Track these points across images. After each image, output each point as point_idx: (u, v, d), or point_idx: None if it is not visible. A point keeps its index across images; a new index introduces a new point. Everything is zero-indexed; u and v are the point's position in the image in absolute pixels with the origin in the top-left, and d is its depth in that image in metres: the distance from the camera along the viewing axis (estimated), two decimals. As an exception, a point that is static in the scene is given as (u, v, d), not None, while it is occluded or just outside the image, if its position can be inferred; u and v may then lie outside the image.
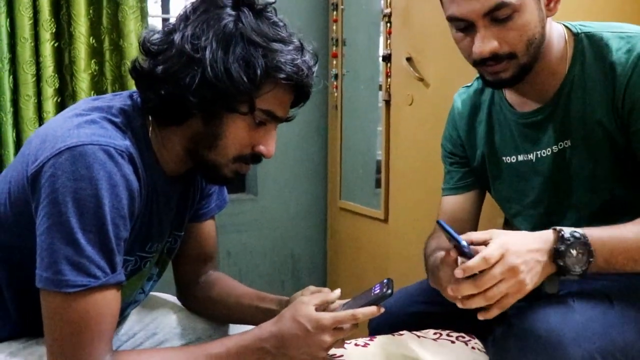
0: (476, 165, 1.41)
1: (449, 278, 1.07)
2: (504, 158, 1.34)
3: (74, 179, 0.97)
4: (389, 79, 2.22)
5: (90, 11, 2.16)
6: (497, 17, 1.12)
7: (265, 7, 1.10)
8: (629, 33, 1.17)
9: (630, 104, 1.13)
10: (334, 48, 2.57)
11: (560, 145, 1.24)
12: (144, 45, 1.09)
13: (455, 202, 1.44)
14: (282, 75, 1.05)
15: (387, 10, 2.19)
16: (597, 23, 1.22)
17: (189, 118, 1.10)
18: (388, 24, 2.19)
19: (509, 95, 1.30)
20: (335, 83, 2.58)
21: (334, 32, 2.58)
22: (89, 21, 2.15)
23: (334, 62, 2.58)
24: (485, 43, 1.14)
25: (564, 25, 1.23)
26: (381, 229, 2.35)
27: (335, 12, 2.56)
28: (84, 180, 0.98)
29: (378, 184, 2.36)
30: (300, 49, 1.09)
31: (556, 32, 1.21)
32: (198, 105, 1.06)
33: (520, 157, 1.31)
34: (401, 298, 1.43)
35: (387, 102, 2.24)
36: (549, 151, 1.25)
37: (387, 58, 2.21)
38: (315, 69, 1.12)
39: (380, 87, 2.30)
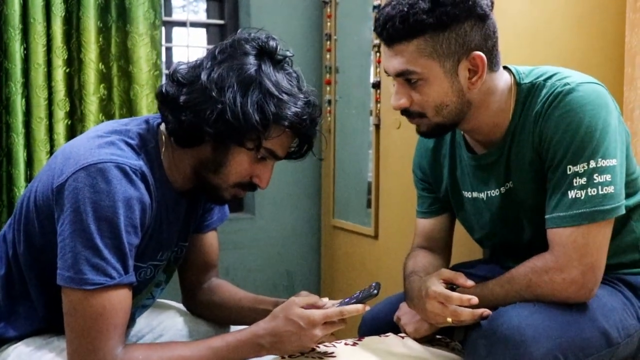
0: (442, 196, 1.50)
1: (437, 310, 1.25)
2: (464, 192, 1.44)
3: (94, 192, 1.11)
4: (378, 105, 2.28)
5: (100, 39, 2.27)
6: (409, 79, 1.23)
7: (285, 59, 1.22)
8: (557, 79, 1.23)
9: (546, 145, 1.21)
10: (328, 75, 2.64)
11: (506, 185, 1.32)
12: (173, 75, 1.21)
13: (429, 224, 1.54)
14: (287, 124, 1.18)
15: (377, 41, 2.24)
16: (544, 69, 1.28)
17: (201, 144, 1.22)
18: (378, 54, 2.26)
19: (467, 136, 1.39)
20: (328, 108, 2.64)
21: (327, 60, 2.64)
22: (99, 48, 2.26)
23: (328, 88, 2.65)
24: (396, 98, 1.27)
25: (514, 73, 1.29)
26: (372, 245, 2.41)
27: (329, 42, 2.63)
28: (102, 193, 1.11)
29: (369, 204, 2.41)
30: (308, 103, 1.21)
31: (504, 84, 1.28)
32: (212, 136, 1.19)
33: (474, 194, 1.40)
34: (387, 305, 1.54)
35: (377, 126, 2.32)
36: (497, 192, 1.35)
37: (376, 85, 2.28)
38: (318, 121, 1.25)
39: (370, 112, 2.37)
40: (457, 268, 1.53)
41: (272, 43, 1.22)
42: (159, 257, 1.32)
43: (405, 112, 1.28)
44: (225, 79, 1.17)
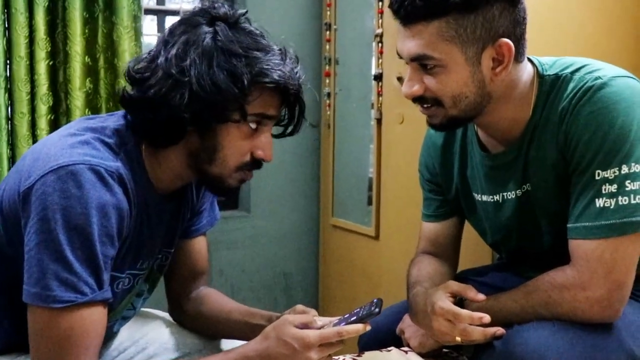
0: (452, 198, 1.41)
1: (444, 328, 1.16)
2: (474, 194, 1.34)
3: (64, 197, 1.00)
4: (380, 98, 2.23)
5: (86, 30, 2.18)
6: (424, 64, 1.13)
7: (238, 19, 1.13)
8: (587, 72, 1.14)
9: (572, 145, 1.13)
10: (327, 67, 2.59)
11: (523, 188, 1.23)
12: (130, 74, 1.12)
13: (436, 229, 1.45)
14: (266, 80, 1.08)
15: (379, 31, 2.22)
16: (570, 60, 1.20)
17: (185, 136, 1.12)
18: (380, 44, 2.21)
19: (480, 132, 1.30)
20: (328, 101, 2.59)
21: (327, 51, 2.59)
22: (85, 40, 2.17)
23: (327, 80, 2.60)
24: (409, 85, 1.16)
25: (536, 64, 1.21)
26: (372, 246, 2.36)
27: (328, 32, 2.58)
28: (73, 198, 1.00)
29: (370, 201, 2.37)
30: (282, 53, 1.12)
31: (526, 75, 1.19)
32: (192, 121, 1.09)
33: (485, 198, 1.31)
34: (390, 316, 1.44)
35: (379, 121, 2.26)
36: (513, 194, 1.25)
37: (378, 77, 2.22)
38: (298, 69, 1.14)
39: (372, 106, 2.32)
40: (466, 275, 1.46)
41: (220, 7, 1.13)
42: (139, 266, 1.22)
43: (419, 98, 1.17)
44: (184, 57, 1.07)
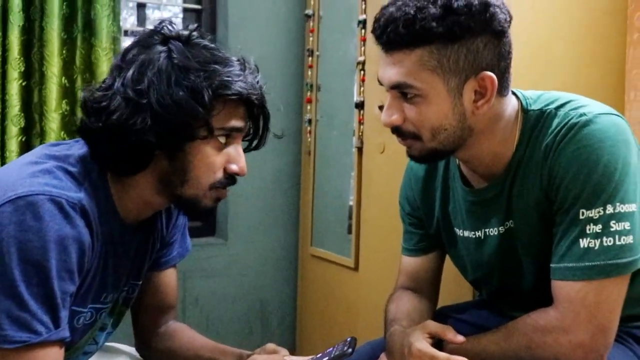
0: (433, 232, 1.37)
1: None
2: (456, 230, 1.31)
3: (20, 230, 0.95)
4: (361, 126, 2.21)
5: (64, 51, 2.14)
6: (404, 93, 1.11)
7: (190, 35, 1.11)
8: (572, 108, 1.12)
9: (556, 184, 1.10)
10: (309, 93, 2.56)
11: (506, 225, 1.20)
12: (86, 105, 1.08)
13: (416, 263, 1.41)
14: (228, 92, 1.07)
15: (361, 58, 2.20)
16: (554, 95, 1.18)
17: (153, 160, 1.09)
18: (362, 72, 2.19)
19: (463, 166, 1.27)
20: (309, 128, 2.56)
21: (309, 77, 2.57)
22: (62, 61, 2.13)
23: (308, 107, 2.57)
24: (388, 114, 1.13)
25: (520, 99, 1.18)
26: (352, 278, 2.31)
27: (310, 58, 2.56)
28: (31, 231, 0.95)
29: (350, 230, 2.33)
30: (241, 64, 1.11)
31: (510, 110, 1.16)
32: (158, 144, 1.06)
33: (467, 233, 1.27)
34: (365, 352, 1.39)
35: (360, 149, 2.23)
36: (495, 231, 1.22)
37: (360, 105, 2.20)
38: (259, 79, 1.13)
39: (354, 134, 2.30)
40: (445, 312, 1.42)
41: (171, 26, 1.12)
42: (103, 300, 1.17)
43: (396, 130, 1.15)
44: (141, 79, 1.05)
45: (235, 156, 1.13)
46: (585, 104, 1.12)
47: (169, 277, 1.37)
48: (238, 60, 1.11)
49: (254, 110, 1.13)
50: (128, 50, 1.10)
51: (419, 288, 1.40)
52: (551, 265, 1.10)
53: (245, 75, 1.09)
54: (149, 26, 2.48)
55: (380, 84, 1.15)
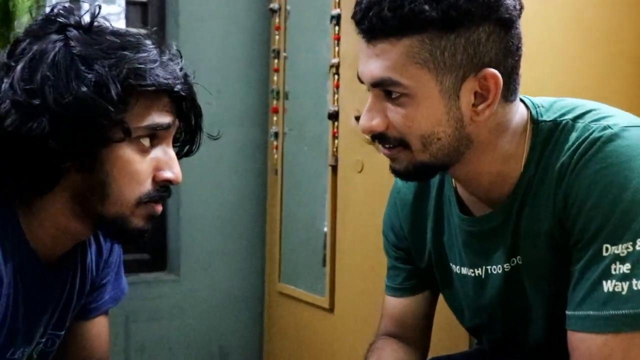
0: (423, 268, 1.32)
1: None
2: (452, 265, 1.26)
3: None
4: (336, 141, 2.19)
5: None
6: (389, 91, 1.06)
7: (93, 17, 1.07)
8: (593, 119, 1.08)
9: (573, 212, 1.06)
10: (275, 102, 2.55)
11: (512, 261, 1.16)
12: None
13: (402, 306, 1.37)
14: (142, 82, 1.03)
15: (335, 60, 2.17)
16: (571, 103, 1.14)
17: (62, 175, 1.04)
18: (336, 77, 2.17)
19: (460, 187, 1.22)
20: (275, 143, 2.55)
21: (275, 83, 2.56)
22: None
23: (275, 118, 2.56)
24: (368, 117, 1.09)
25: (529, 106, 1.14)
26: (326, 320, 2.29)
27: (277, 61, 2.54)
28: None
29: (324, 262, 2.32)
30: (158, 48, 1.07)
31: (517, 120, 1.12)
32: (64, 154, 1.01)
33: (464, 271, 1.23)
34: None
35: (334, 168, 2.22)
36: (499, 269, 1.18)
37: (334, 116, 2.18)
38: (182, 66, 1.10)
39: (327, 149, 2.29)
40: None
41: (69, 11, 1.08)
42: (10, 356, 1.12)
43: (380, 136, 1.10)
44: (33, 76, 1.01)
45: (166, 160, 1.09)
46: (610, 115, 1.08)
47: (99, 326, 1.33)
48: (154, 44, 1.07)
49: (182, 104, 1.10)
50: (17, 43, 1.06)
51: (406, 336, 1.37)
52: (567, 312, 1.05)
53: (164, 62, 1.06)
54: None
55: (361, 81, 1.10)
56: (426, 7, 1.00)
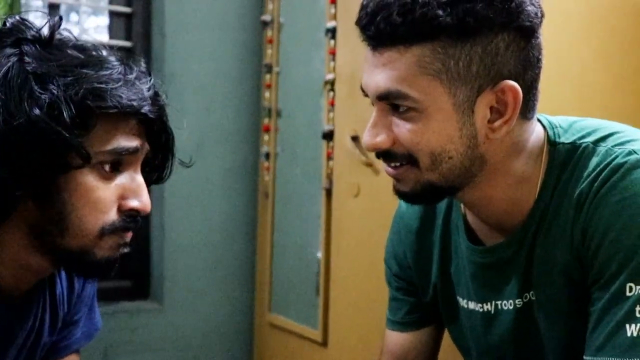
0: (428, 300, 1.27)
1: None
2: (458, 299, 1.21)
3: None
4: (330, 162, 2.17)
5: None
6: (396, 105, 1.01)
7: (53, 30, 1.02)
8: (617, 144, 1.05)
9: (593, 245, 1.02)
10: (267, 120, 2.54)
11: (525, 297, 1.12)
12: None
13: (404, 341, 1.32)
14: (101, 103, 0.97)
15: (330, 76, 2.15)
16: (591, 124, 1.10)
17: (14, 205, 0.99)
18: (331, 93, 2.15)
19: (469, 214, 1.17)
20: (266, 164, 2.53)
21: (266, 99, 2.54)
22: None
23: (266, 137, 2.54)
24: (373, 133, 1.04)
25: (545, 126, 1.10)
26: (319, 355, 2.26)
27: (269, 76, 2.53)
28: None
29: (318, 291, 2.30)
30: (123, 65, 1.03)
31: (533, 140, 1.08)
32: (15, 181, 0.96)
33: (472, 305, 1.19)
34: None
35: (329, 191, 2.21)
36: (510, 304, 1.14)
37: (328, 136, 2.16)
38: (151, 85, 1.05)
39: (322, 171, 2.27)
40: None
41: (28, 24, 1.03)
42: None
43: (385, 154, 1.06)
44: None
45: (133, 188, 1.05)
46: (635, 138, 1.04)
47: None
48: (120, 60, 1.03)
49: (151, 126, 1.05)
50: None
51: None
52: (585, 358, 1.01)
53: (129, 81, 1.01)
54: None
55: (365, 94, 1.06)
56: (440, 12, 0.96)
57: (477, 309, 1.19)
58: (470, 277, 1.18)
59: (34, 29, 1.02)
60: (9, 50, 0.99)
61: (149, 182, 1.09)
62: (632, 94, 1.83)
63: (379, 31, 0.99)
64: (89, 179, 1.00)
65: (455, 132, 1.01)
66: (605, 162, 1.02)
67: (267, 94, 2.54)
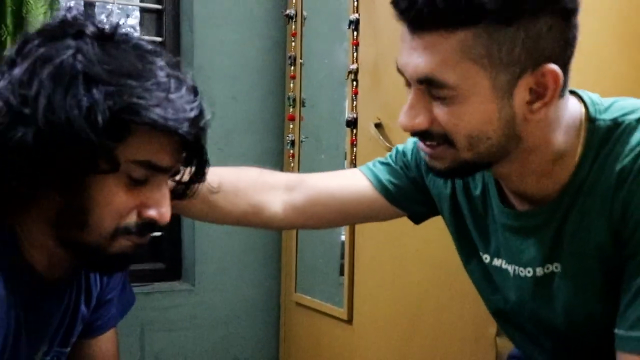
0: (424, 209, 1.24)
1: None
2: (481, 254, 1.15)
3: None
4: (354, 149, 2.09)
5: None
6: (434, 89, 0.93)
7: (116, 29, 0.96)
8: None
9: (632, 221, 0.95)
10: (291, 109, 2.46)
11: (547, 268, 1.05)
12: None
13: (358, 189, 1.26)
14: (135, 118, 0.91)
15: (353, 67, 2.07)
16: (636, 103, 1.02)
17: (41, 194, 0.96)
18: (354, 83, 2.07)
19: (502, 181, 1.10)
20: (291, 151, 2.45)
21: (291, 90, 2.46)
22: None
23: (291, 126, 2.47)
24: (411, 115, 0.96)
25: (587, 102, 1.03)
26: (344, 332, 2.19)
27: (292, 67, 2.46)
28: None
29: (342, 271, 2.22)
30: (170, 81, 0.95)
31: (569, 116, 1.01)
32: (40, 174, 0.92)
33: (496, 261, 1.12)
34: None
35: None
36: (530, 272, 1.06)
37: (352, 123, 2.08)
38: (195, 106, 0.97)
39: (345, 157, 2.19)
40: None
41: (92, 18, 0.98)
42: None
43: (422, 134, 0.99)
44: (33, 79, 0.90)
45: (155, 198, 0.99)
46: None
47: (106, 343, 1.27)
48: (168, 75, 0.95)
49: (187, 147, 0.99)
50: (28, 40, 0.96)
51: (334, 213, 1.28)
52: (617, 331, 0.94)
53: (171, 99, 0.94)
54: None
55: (400, 72, 0.98)
56: None
57: (498, 265, 1.13)
58: (493, 233, 1.12)
59: (96, 25, 0.96)
60: (69, 42, 0.94)
61: (174, 194, 1.06)
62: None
63: (420, 15, 0.90)
64: (114, 183, 0.96)
65: (493, 114, 0.93)
66: None
67: (291, 85, 2.46)
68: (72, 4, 1.02)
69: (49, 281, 1.05)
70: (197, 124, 0.97)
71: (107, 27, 0.97)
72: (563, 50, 0.93)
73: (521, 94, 0.93)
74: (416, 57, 0.93)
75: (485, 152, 0.96)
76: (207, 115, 0.99)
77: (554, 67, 0.92)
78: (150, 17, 2.56)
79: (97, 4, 2.42)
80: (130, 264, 1.06)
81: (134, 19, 2.66)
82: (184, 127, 0.94)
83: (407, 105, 0.97)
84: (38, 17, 2.00)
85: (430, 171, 1.06)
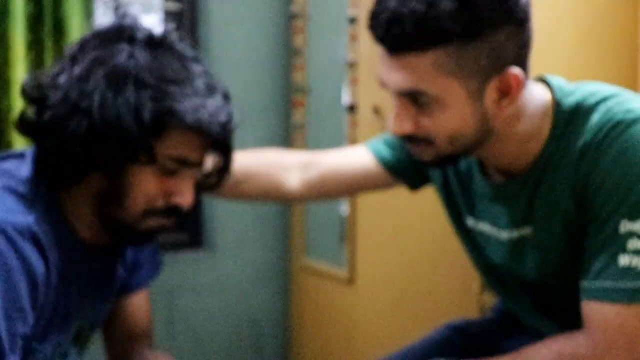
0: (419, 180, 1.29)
1: None
2: (466, 218, 1.22)
3: None
4: (354, 131, 2.13)
5: (31, 55, 2.03)
6: (416, 98, 1.00)
7: (165, 36, 1.02)
8: (616, 103, 1.01)
9: (592, 190, 1.00)
10: (296, 96, 2.49)
11: (520, 230, 1.11)
12: (25, 92, 1.01)
13: (365, 166, 1.30)
14: (175, 121, 0.98)
15: (353, 58, 2.12)
16: (594, 87, 1.06)
17: (87, 174, 1.01)
18: (353, 72, 2.12)
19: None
20: (297, 134, 2.49)
21: (296, 79, 2.50)
22: (29, 66, 2.02)
23: (296, 111, 2.50)
24: (398, 123, 1.02)
25: (554, 88, 1.08)
26: (346, 292, 2.22)
27: (298, 59, 2.49)
28: None
29: (345, 236, 2.25)
30: (207, 88, 1.01)
31: (537, 101, 1.06)
32: (89, 159, 0.98)
33: (480, 227, 1.18)
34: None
35: None
36: (506, 235, 1.13)
37: (352, 108, 2.12)
38: (225, 111, 1.03)
39: (346, 139, 2.22)
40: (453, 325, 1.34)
41: (137, 24, 1.03)
42: (65, 330, 1.09)
43: (408, 137, 1.05)
44: (90, 76, 0.96)
45: (181, 187, 1.04)
46: (632, 99, 1.02)
47: (139, 302, 1.29)
48: (207, 83, 1.02)
49: (216, 145, 1.05)
50: (89, 39, 1.02)
51: (315, 174, 1.32)
52: (582, 282, 1.01)
53: (205, 104, 1.00)
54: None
55: (383, 86, 1.04)
56: (449, 22, 0.93)
57: (475, 226, 1.19)
58: (477, 201, 1.18)
59: (146, 31, 1.02)
60: (122, 46, 0.99)
61: (201, 186, 1.10)
62: (617, 71, 1.78)
63: (395, 41, 0.96)
64: (149, 173, 1.01)
65: (469, 116, 1.00)
66: (607, 118, 1.00)
67: (296, 75, 2.49)
68: (124, 10, 1.07)
69: (95, 248, 1.10)
70: (227, 127, 1.03)
71: (155, 33, 1.02)
72: (521, 52, 0.99)
73: (490, 95, 0.99)
74: (396, 75, 0.98)
75: (462, 146, 1.03)
76: (236, 119, 1.05)
77: (515, 70, 0.98)
78: (170, 19, 2.58)
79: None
80: (156, 238, 1.11)
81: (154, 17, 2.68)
82: (216, 130, 1.00)
83: (394, 114, 1.03)
84: (73, 17, 2.02)
85: (418, 161, 1.12)
